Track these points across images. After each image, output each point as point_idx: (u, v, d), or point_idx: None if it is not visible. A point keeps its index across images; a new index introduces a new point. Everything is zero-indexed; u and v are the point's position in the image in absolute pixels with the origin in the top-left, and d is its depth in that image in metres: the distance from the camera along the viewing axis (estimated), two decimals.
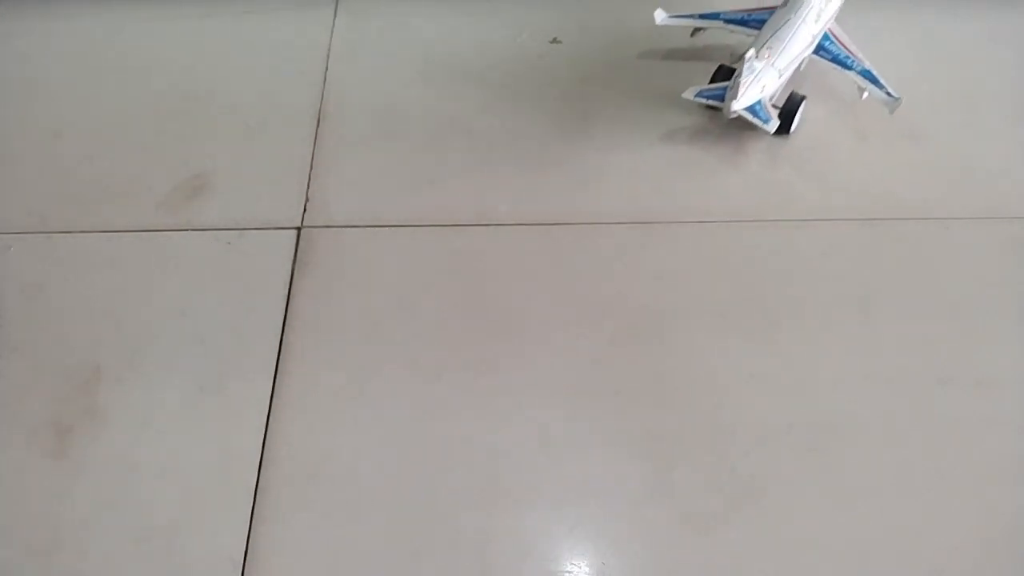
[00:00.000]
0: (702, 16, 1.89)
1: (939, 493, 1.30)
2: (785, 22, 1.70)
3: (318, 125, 1.86)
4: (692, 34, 1.93)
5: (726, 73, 1.80)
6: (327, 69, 1.99)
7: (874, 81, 1.71)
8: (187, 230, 1.65)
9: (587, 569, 1.23)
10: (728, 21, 1.86)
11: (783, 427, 1.37)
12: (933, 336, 1.48)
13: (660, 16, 1.90)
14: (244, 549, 1.24)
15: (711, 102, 1.72)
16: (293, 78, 1.97)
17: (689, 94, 1.72)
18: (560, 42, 2.06)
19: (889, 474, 1.32)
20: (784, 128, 1.75)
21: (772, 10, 1.78)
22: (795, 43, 1.70)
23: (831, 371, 1.44)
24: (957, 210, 1.68)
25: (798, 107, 1.76)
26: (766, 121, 1.66)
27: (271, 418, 1.38)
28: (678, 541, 1.25)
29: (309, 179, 1.75)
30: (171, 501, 1.29)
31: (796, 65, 1.76)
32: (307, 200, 1.71)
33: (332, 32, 2.08)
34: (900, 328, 1.50)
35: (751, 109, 1.67)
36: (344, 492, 1.30)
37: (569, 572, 1.23)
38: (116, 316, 1.51)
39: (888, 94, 1.70)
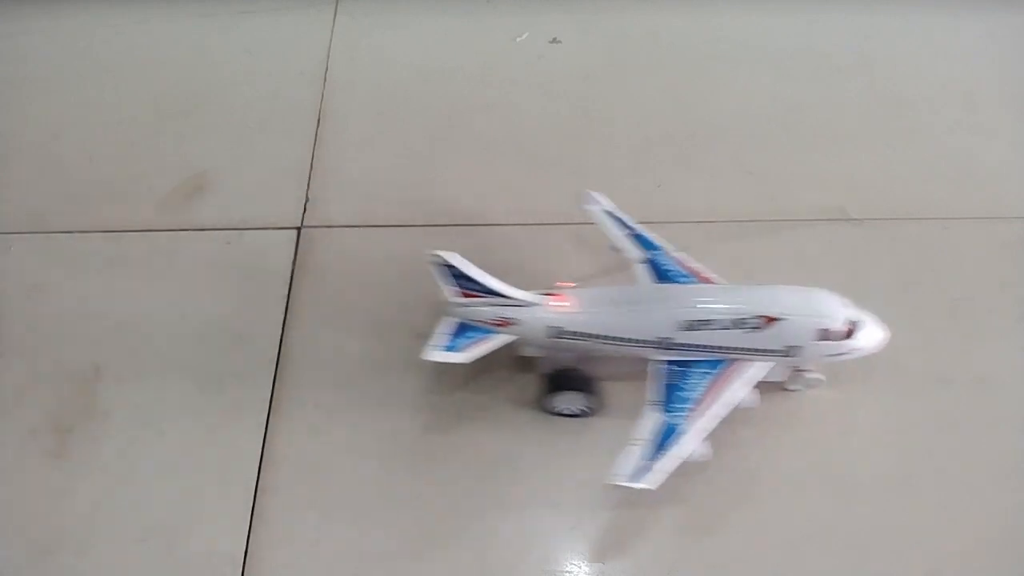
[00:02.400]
0: (638, 237, 1.45)
1: (939, 493, 1.30)
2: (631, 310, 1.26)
3: (318, 125, 1.86)
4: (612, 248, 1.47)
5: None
6: (327, 69, 1.99)
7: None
8: (187, 230, 1.65)
9: (587, 569, 1.23)
10: (653, 265, 1.41)
11: (783, 427, 1.36)
12: (933, 336, 1.48)
13: (595, 205, 1.49)
14: (244, 549, 1.24)
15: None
16: (293, 78, 1.97)
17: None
18: (560, 42, 2.06)
19: (889, 474, 1.32)
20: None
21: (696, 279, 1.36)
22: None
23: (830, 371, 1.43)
24: (957, 210, 1.68)
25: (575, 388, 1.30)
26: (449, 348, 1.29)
27: (271, 418, 1.38)
28: (678, 541, 1.25)
29: (309, 179, 1.74)
30: (171, 501, 1.29)
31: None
32: (307, 200, 1.71)
33: (332, 32, 2.08)
34: (900, 328, 1.49)
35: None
36: (344, 492, 1.30)
37: (569, 572, 1.23)
38: (116, 316, 1.51)
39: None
